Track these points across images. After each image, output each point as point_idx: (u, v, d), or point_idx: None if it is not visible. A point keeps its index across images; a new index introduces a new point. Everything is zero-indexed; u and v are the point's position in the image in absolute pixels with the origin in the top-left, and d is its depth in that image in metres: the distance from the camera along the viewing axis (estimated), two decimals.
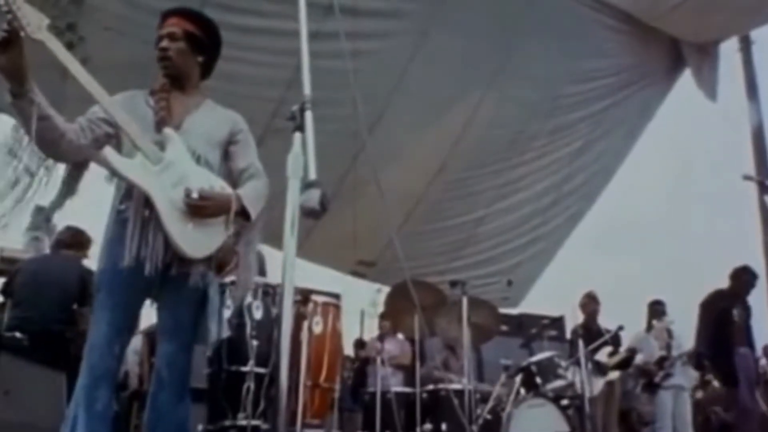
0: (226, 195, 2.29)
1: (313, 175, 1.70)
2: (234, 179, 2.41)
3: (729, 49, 7.49)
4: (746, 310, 5.69)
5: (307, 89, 1.85)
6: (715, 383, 5.83)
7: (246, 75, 5.30)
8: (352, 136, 4.79)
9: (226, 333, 3.26)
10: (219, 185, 2.30)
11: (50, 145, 2.11)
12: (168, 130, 2.26)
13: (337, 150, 5.29)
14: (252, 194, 2.35)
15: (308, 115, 1.80)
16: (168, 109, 2.31)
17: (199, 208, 2.21)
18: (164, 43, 2.34)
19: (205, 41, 2.42)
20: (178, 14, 2.40)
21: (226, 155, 2.42)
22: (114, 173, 2.21)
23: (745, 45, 7.75)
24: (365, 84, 4.80)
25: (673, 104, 7.54)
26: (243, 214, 2.31)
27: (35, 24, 1.93)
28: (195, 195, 2.20)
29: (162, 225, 2.16)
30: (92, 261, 4.21)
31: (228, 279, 3.25)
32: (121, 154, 2.20)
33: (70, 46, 4.41)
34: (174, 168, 2.22)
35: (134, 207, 2.21)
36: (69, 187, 2.30)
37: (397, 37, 5.76)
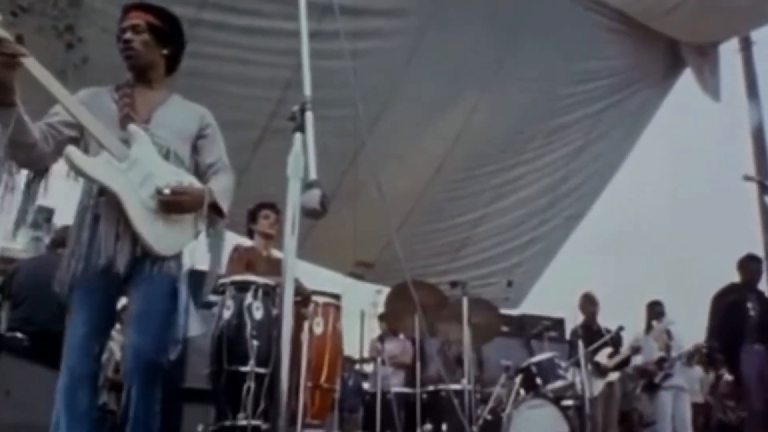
0: (199, 189, 2.27)
1: (313, 176, 1.69)
2: (201, 173, 2.38)
3: (730, 50, 7.49)
4: (761, 301, 5.27)
5: (307, 90, 1.84)
6: (728, 377, 5.57)
7: (245, 75, 5.30)
8: (350, 137, 4.78)
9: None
10: (188, 181, 2.27)
11: (23, 151, 2.06)
12: (133, 127, 2.22)
13: (334, 151, 5.28)
14: (221, 189, 2.34)
15: (309, 116, 1.80)
16: (132, 105, 2.28)
17: (174, 204, 2.19)
18: (128, 35, 2.31)
19: (168, 33, 2.39)
20: (140, 8, 2.38)
21: (194, 149, 2.40)
22: (79, 174, 2.14)
23: (746, 45, 7.76)
24: (363, 84, 4.80)
25: (672, 105, 7.54)
26: (214, 208, 2.30)
27: None
28: (167, 191, 2.17)
29: (131, 225, 2.12)
30: None
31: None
32: (89, 154, 2.15)
33: (69, 47, 4.42)
34: (140, 165, 2.18)
35: (105, 206, 2.16)
36: (31, 195, 2.23)
37: (396, 36, 5.77)
